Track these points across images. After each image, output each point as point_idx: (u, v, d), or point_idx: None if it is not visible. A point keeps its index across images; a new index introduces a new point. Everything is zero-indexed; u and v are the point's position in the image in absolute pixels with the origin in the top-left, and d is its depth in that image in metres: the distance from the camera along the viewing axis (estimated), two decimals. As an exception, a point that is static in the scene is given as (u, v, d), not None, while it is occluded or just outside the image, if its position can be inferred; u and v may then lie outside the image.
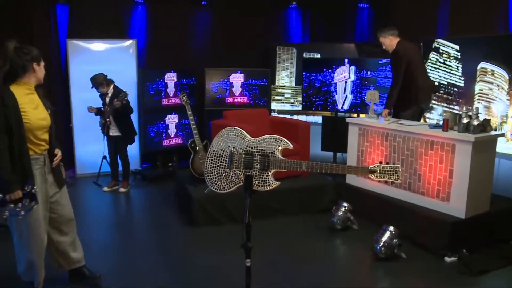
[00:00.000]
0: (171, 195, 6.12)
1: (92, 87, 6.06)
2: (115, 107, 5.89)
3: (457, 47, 5.79)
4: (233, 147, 2.71)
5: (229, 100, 7.42)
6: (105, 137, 6.26)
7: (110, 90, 6.06)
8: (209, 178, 2.74)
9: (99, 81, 6.00)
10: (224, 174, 2.71)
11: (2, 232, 4.54)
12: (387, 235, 4.14)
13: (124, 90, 5.98)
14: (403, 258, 4.13)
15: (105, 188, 6.30)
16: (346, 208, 4.89)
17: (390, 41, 5.39)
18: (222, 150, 2.74)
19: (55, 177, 3.36)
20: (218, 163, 2.74)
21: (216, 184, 2.73)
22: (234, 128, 2.74)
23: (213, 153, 2.78)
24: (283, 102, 7.75)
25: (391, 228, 4.17)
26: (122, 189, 6.31)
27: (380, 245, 4.13)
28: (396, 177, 2.55)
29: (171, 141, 7.35)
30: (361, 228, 4.87)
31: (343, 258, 4.56)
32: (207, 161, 2.76)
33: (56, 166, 3.33)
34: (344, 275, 4.02)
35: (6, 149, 2.97)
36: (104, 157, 6.53)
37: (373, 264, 4.15)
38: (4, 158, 2.96)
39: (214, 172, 2.73)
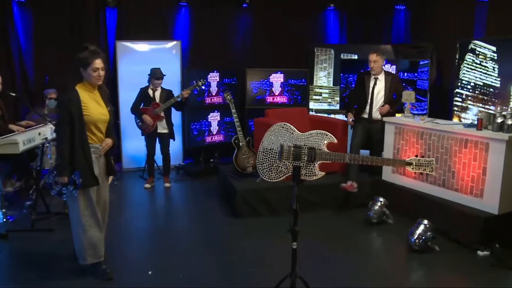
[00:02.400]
0: (214, 189, 6.45)
1: (149, 79, 6.32)
2: (184, 97, 6.15)
3: (494, 48, 5.89)
4: (283, 141, 3.02)
5: (269, 99, 7.72)
6: (145, 136, 6.46)
7: (159, 87, 6.38)
8: (261, 169, 3.07)
9: (160, 74, 6.29)
10: (274, 165, 3.03)
11: (62, 218, 5.01)
12: (421, 228, 4.36)
13: (197, 81, 6.37)
14: (437, 251, 4.34)
15: (146, 185, 6.57)
16: (382, 203, 5.12)
17: (382, 63, 5.65)
18: (272, 143, 3.05)
19: (106, 165, 3.85)
20: (269, 155, 3.06)
21: (267, 173, 3.05)
22: (284, 124, 3.05)
23: (264, 146, 3.09)
24: (320, 102, 7.99)
25: (426, 221, 4.39)
26: (167, 184, 6.64)
27: (415, 238, 4.35)
28: (431, 169, 2.81)
29: (213, 138, 7.71)
30: (396, 222, 5.09)
31: (378, 249, 4.79)
32: (259, 153, 3.08)
33: (103, 152, 3.76)
34: (380, 265, 4.25)
35: (68, 139, 3.50)
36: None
37: (407, 255, 4.38)
38: (65, 146, 3.49)
39: (266, 163, 3.05)
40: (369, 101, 5.66)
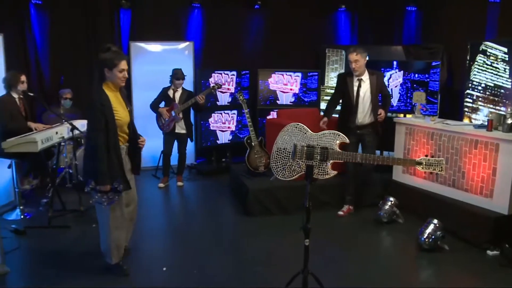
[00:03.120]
0: (226, 188, 6.55)
1: (170, 79, 6.42)
2: (200, 102, 6.20)
3: (505, 50, 5.91)
4: (296, 141, 3.10)
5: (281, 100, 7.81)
6: (164, 134, 6.57)
7: (180, 88, 6.47)
8: (275, 167, 3.15)
9: (181, 75, 6.38)
10: (288, 164, 3.11)
11: (78, 216, 5.13)
12: (431, 227, 4.42)
13: (212, 85, 6.45)
14: (446, 250, 4.39)
15: (160, 185, 6.65)
16: (392, 203, 5.18)
17: (364, 63, 5.19)
18: (286, 143, 3.13)
19: (132, 164, 3.91)
20: (283, 154, 3.14)
21: (281, 172, 3.13)
22: (297, 124, 3.13)
23: (278, 146, 3.17)
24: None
25: (435, 221, 4.44)
26: (179, 183, 6.74)
27: (424, 237, 4.41)
28: (440, 169, 2.87)
29: (225, 138, 7.80)
30: (406, 222, 5.15)
31: (388, 248, 4.85)
32: (273, 153, 3.16)
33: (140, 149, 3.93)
34: (390, 263, 4.31)
35: (103, 144, 3.45)
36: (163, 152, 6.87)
37: (417, 254, 4.43)
38: (102, 152, 3.44)
39: (279, 162, 3.13)
40: (354, 105, 5.20)
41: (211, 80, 7.40)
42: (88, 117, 3.59)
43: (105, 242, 3.79)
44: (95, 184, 3.49)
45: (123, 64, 3.53)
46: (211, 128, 7.59)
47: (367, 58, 5.23)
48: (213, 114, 7.58)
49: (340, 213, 5.41)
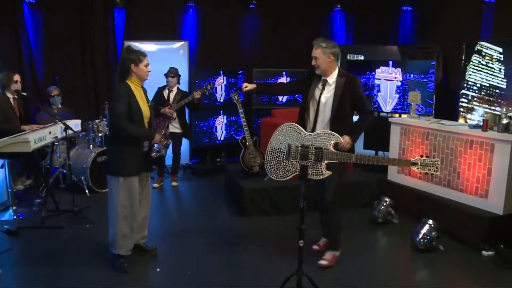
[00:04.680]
0: (221, 188, 6.52)
1: (166, 77, 6.42)
2: (195, 97, 6.20)
3: (500, 50, 5.92)
4: (291, 141, 3.08)
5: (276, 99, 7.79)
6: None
7: (175, 88, 6.47)
8: (268, 168, 3.14)
9: (176, 72, 6.42)
10: (282, 164, 3.09)
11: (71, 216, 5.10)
12: (426, 227, 4.41)
13: (205, 85, 6.45)
14: (441, 250, 4.39)
15: (155, 185, 6.60)
16: (387, 203, 5.17)
17: (328, 60, 3.87)
18: (280, 143, 3.11)
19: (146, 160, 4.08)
20: (277, 154, 3.12)
21: (275, 172, 3.11)
22: (292, 124, 3.11)
23: (272, 146, 3.15)
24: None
25: (430, 221, 4.44)
26: (174, 183, 6.72)
27: (420, 237, 4.40)
28: (435, 169, 2.86)
29: (220, 138, 7.78)
30: (401, 222, 5.14)
31: (384, 248, 4.85)
32: (267, 153, 3.14)
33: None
34: (385, 264, 4.31)
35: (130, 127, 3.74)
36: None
37: (412, 254, 4.43)
38: (133, 127, 3.73)
39: (274, 162, 3.12)
40: (313, 115, 3.86)
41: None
42: (113, 108, 3.80)
43: (112, 230, 3.91)
44: (148, 144, 3.95)
45: (146, 60, 3.87)
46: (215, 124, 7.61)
47: (337, 56, 3.94)
48: (208, 113, 7.59)
49: (315, 247, 4.43)
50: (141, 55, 3.83)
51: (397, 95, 6.77)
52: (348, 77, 3.85)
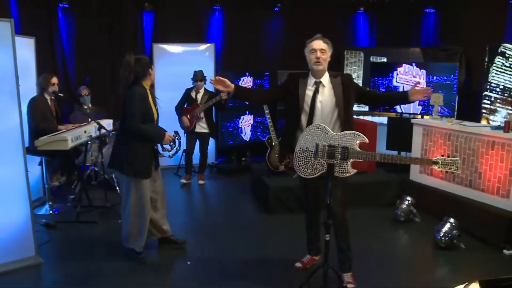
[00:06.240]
0: (246, 187, 6.69)
1: (193, 81, 6.64)
2: (222, 98, 6.34)
3: (524, 52, 5.97)
4: (318, 140, 3.24)
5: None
6: (186, 134, 6.74)
7: (202, 89, 6.67)
8: (297, 166, 3.31)
9: (202, 76, 6.61)
10: (310, 163, 3.26)
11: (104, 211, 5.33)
12: (447, 226, 4.51)
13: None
14: (462, 249, 4.48)
15: (183, 180, 6.86)
16: (410, 202, 5.28)
17: (329, 59, 3.68)
18: (308, 142, 3.28)
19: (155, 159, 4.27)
20: (305, 153, 3.29)
21: (303, 170, 3.28)
22: (319, 125, 3.28)
23: (301, 145, 3.32)
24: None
25: (452, 220, 4.53)
26: (201, 181, 6.93)
27: (441, 235, 4.51)
28: (456, 168, 2.99)
29: (246, 137, 7.96)
30: (423, 221, 5.24)
31: (405, 245, 4.96)
32: (296, 152, 3.31)
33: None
34: (406, 260, 4.43)
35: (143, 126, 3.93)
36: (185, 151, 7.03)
37: (433, 252, 4.54)
38: (149, 128, 3.96)
39: (302, 161, 3.29)
40: (305, 121, 3.54)
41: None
42: (129, 107, 3.89)
43: (125, 226, 4.15)
44: (160, 144, 4.22)
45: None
46: (232, 127, 7.77)
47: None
48: (234, 113, 7.75)
49: (299, 264, 4.09)
50: (149, 59, 4.29)
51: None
52: (343, 76, 3.66)
